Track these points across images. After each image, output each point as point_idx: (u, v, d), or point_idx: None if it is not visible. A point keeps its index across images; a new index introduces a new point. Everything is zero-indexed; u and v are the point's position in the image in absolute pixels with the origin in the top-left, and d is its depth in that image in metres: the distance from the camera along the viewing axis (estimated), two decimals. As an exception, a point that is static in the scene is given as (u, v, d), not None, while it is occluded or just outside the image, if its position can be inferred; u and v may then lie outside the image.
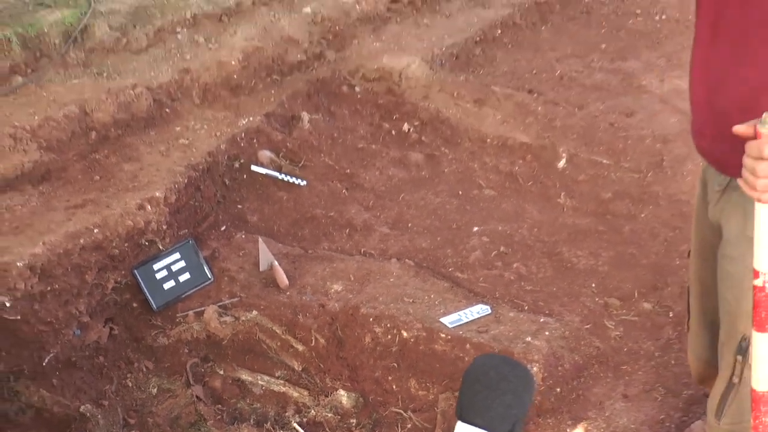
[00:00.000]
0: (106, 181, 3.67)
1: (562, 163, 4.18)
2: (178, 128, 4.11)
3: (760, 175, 1.54)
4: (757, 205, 1.60)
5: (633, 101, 4.55)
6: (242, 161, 4.02)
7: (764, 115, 1.54)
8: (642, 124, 4.34)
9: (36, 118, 3.71)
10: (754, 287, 1.63)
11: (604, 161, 4.13)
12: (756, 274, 1.61)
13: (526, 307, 3.27)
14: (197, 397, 3.27)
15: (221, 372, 3.33)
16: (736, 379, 1.98)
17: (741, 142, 1.79)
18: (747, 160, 1.57)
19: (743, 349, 1.94)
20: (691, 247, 2.27)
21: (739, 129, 1.59)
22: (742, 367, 1.96)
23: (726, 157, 1.92)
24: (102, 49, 4.33)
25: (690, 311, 2.32)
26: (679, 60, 4.74)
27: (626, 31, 5.38)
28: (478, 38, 5.16)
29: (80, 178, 3.67)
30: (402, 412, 3.07)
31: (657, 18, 5.47)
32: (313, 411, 3.18)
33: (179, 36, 4.59)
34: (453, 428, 1.81)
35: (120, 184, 3.64)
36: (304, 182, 4.03)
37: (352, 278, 3.37)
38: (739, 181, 1.61)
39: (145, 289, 3.35)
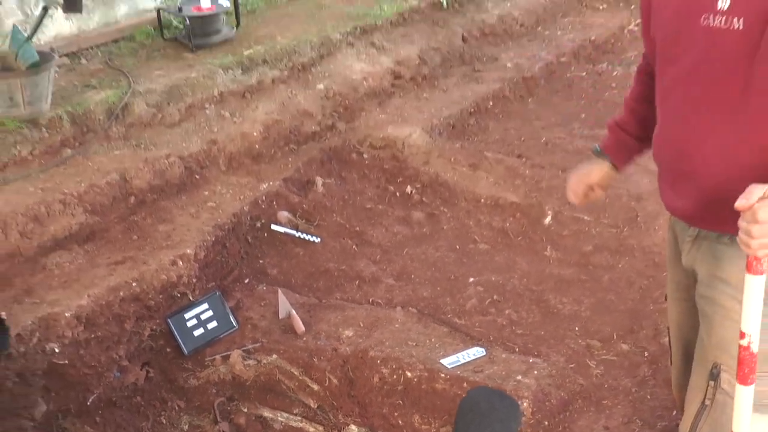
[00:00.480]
0: (143, 240, 3.68)
1: (548, 220, 4.16)
2: (206, 192, 4.11)
3: (755, 236, 1.56)
4: (747, 276, 1.61)
5: None
6: (263, 221, 4.03)
7: (751, 188, 1.56)
8: (618, 185, 4.21)
9: (82, 185, 3.75)
10: (740, 346, 1.66)
11: (585, 218, 4.11)
12: (742, 335, 1.64)
13: (517, 349, 3.27)
14: (224, 432, 3.28)
15: (245, 410, 3.30)
16: (708, 402, 1.97)
17: (706, 200, 1.85)
18: (742, 224, 1.58)
19: (714, 375, 1.94)
20: (667, 290, 2.27)
21: (739, 205, 1.57)
22: (714, 391, 1.96)
23: (694, 214, 1.95)
24: (140, 124, 4.34)
25: (671, 347, 2.32)
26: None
27: (603, 103, 5.35)
28: (472, 110, 5.17)
29: (120, 238, 3.69)
30: (408, 443, 3.06)
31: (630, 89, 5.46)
32: (327, 444, 3.16)
33: (208, 111, 4.59)
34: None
35: (155, 242, 3.65)
36: (319, 239, 4.03)
37: (362, 325, 3.36)
38: (738, 240, 1.61)
39: (178, 336, 3.35)
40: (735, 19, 1.68)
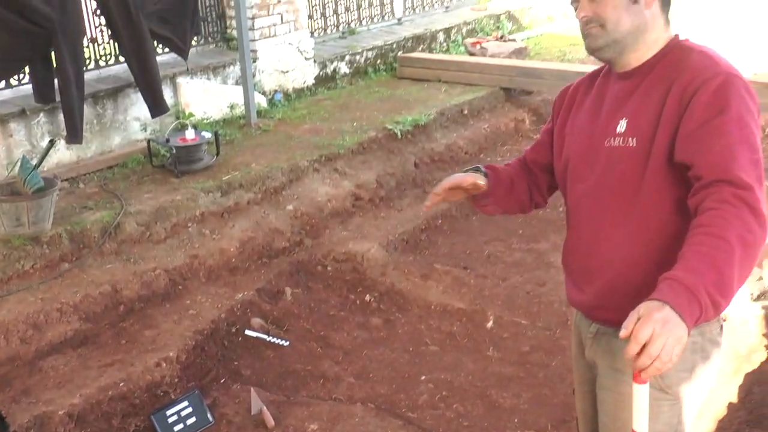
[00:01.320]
0: (131, 344, 3.73)
1: (490, 324, 4.15)
2: (188, 301, 4.16)
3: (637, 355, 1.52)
4: (634, 385, 1.58)
5: (544, 274, 4.56)
6: (238, 326, 4.03)
7: (629, 317, 1.52)
8: (551, 292, 4.33)
9: (78, 295, 3.82)
10: None
11: (523, 322, 4.12)
12: None
13: (464, 439, 3.22)
14: None
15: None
16: None
17: (605, 297, 1.92)
18: (627, 347, 1.51)
19: None
20: (574, 383, 2.25)
21: (622, 335, 1.52)
22: None
23: (594, 305, 1.99)
24: (131, 241, 4.41)
25: None
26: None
27: (538, 220, 5.28)
28: (423, 227, 5.17)
29: (110, 342, 3.75)
30: None
31: (560, 209, 5.13)
32: None
33: (190, 229, 4.65)
34: None
35: (142, 346, 3.70)
36: (287, 343, 4.01)
37: (326, 419, 3.36)
38: (624, 358, 1.55)
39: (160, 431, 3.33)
40: (630, 139, 1.82)
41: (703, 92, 1.73)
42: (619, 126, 1.85)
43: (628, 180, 1.83)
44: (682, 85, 1.76)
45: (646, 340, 1.48)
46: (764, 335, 3.80)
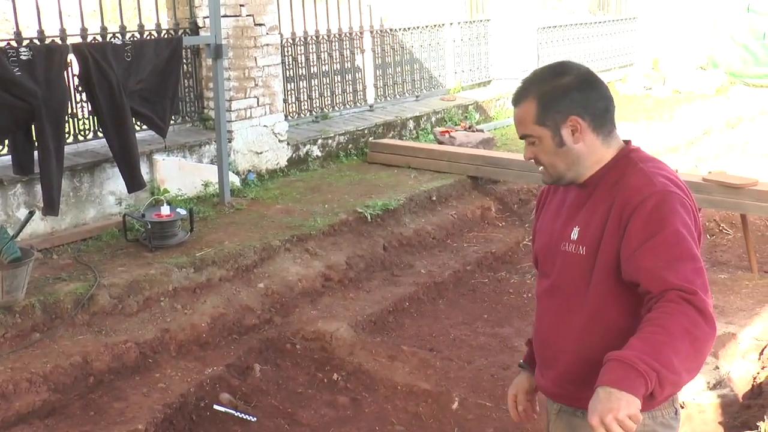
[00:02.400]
0: (99, 416, 3.74)
1: (455, 406, 4.17)
2: (157, 375, 4.17)
3: None
4: None
5: (508, 358, 4.60)
6: (207, 401, 4.06)
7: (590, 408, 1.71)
8: (515, 376, 3.94)
9: (48, 366, 3.84)
10: None
11: (487, 404, 4.15)
12: None
13: None
14: None
15: None
16: None
17: (560, 385, 2.09)
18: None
19: None
20: None
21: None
22: None
23: (555, 392, 2.15)
24: (103, 313, 4.43)
25: None
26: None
27: (502, 305, 5.46)
28: (391, 309, 5.24)
29: (79, 414, 3.75)
30: None
31: (525, 296, 5.59)
32: None
33: (162, 303, 4.69)
34: None
35: (110, 418, 3.71)
36: (255, 419, 4.02)
37: None
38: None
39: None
40: (581, 247, 2.00)
41: (639, 213, 1.89)
42: (572, 233, 2.03)
43: (579, 282, 2.02)
44: (621, 203, 1.93)
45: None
46: (720, 423, 3.97)
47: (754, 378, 4.23)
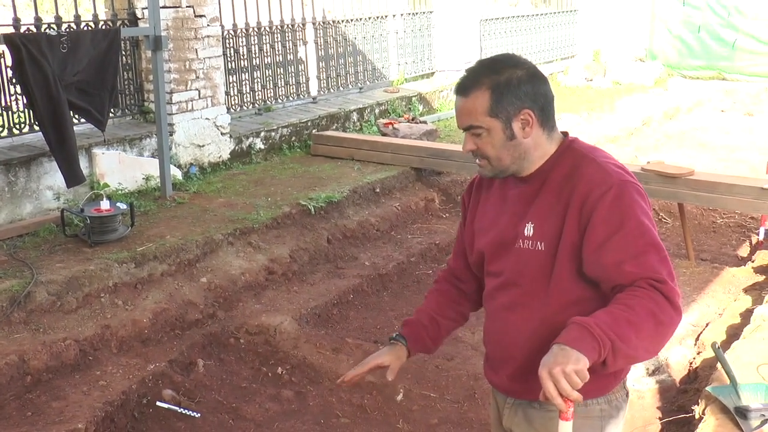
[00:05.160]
0: (37, 416, 3.69)
1: (399, 397, 4.22)
2: (98, 372, 4.13)
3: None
4: (560, 422, 1.78)
5: (452, 349, 4.64)
6: (149, 398, 4.04)
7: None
8: (459, 366, 4.44)
9: None
10: None
11: (432, 395, 4.21)
12: None
13: None
14: None
15: None
16: None
17: (516, 381, 2.10)
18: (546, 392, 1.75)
19: None
20: None
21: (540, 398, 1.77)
22: None
23: (510, 387, 2.15)
24: (40, 310, 4.36)
25: None
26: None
27: None
28: (335, 301, 5.26)
29: (15, 414, 3.69)
30: None
31: None
32: None
33: (103, 300, 4.63)
34: None
35: (48, 418, 3.66)
36: (199, 414, 4.01)
37: None
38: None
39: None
40: (538, 243, 1.99)
41: (600, 207, 1.89)
42: (526, 229, 2.00)
43: (539, 277, 2.00)
44: (581, 197, 1.92)
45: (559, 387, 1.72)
46: (658, 408, 4.12)
47: (690, 363, 4.37)
